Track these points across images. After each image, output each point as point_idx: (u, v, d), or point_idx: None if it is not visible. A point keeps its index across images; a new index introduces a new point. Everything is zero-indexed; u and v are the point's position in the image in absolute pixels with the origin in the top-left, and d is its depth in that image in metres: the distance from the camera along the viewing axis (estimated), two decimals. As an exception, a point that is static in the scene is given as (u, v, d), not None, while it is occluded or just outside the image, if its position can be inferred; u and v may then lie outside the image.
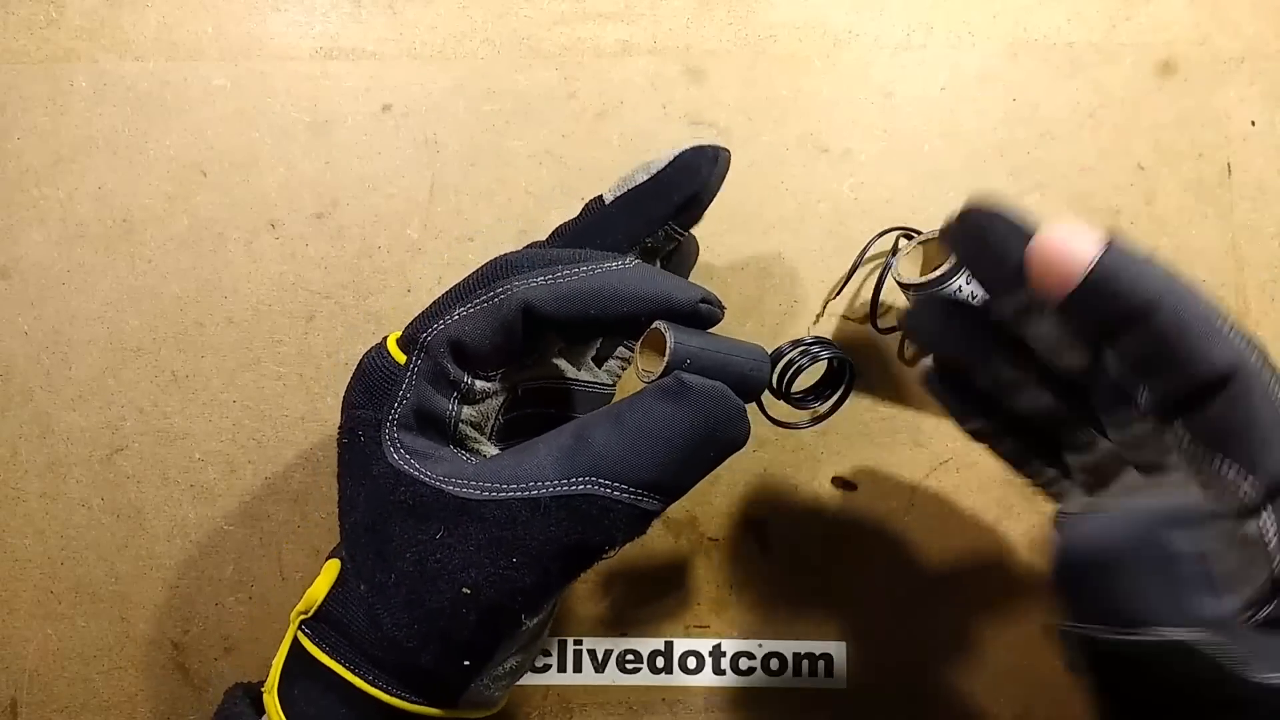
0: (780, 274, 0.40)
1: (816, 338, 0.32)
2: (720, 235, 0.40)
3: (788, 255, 0.40)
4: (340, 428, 0.30)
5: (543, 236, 0.32)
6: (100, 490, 0.39)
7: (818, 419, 0.33)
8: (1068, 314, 0.26)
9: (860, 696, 0.39)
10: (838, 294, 0.40)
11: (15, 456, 0.39)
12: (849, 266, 0.40)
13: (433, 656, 0.28)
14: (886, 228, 0.39)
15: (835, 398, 0.33)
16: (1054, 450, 0.31)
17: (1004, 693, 0.39)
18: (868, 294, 0.39)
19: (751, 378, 0.29)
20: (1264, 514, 0.24)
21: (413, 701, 0.28)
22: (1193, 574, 0.24)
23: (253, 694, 0.31)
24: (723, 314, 0.30)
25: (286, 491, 0.39)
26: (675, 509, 0.39)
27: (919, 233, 0.38)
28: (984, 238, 0.27)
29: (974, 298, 0.35)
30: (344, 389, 0.30)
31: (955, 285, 0.35)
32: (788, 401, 0.33)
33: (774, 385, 0.32)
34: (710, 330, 0.29)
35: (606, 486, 0.26)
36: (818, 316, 0.40)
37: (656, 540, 0.39)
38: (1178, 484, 0.26)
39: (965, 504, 0.39)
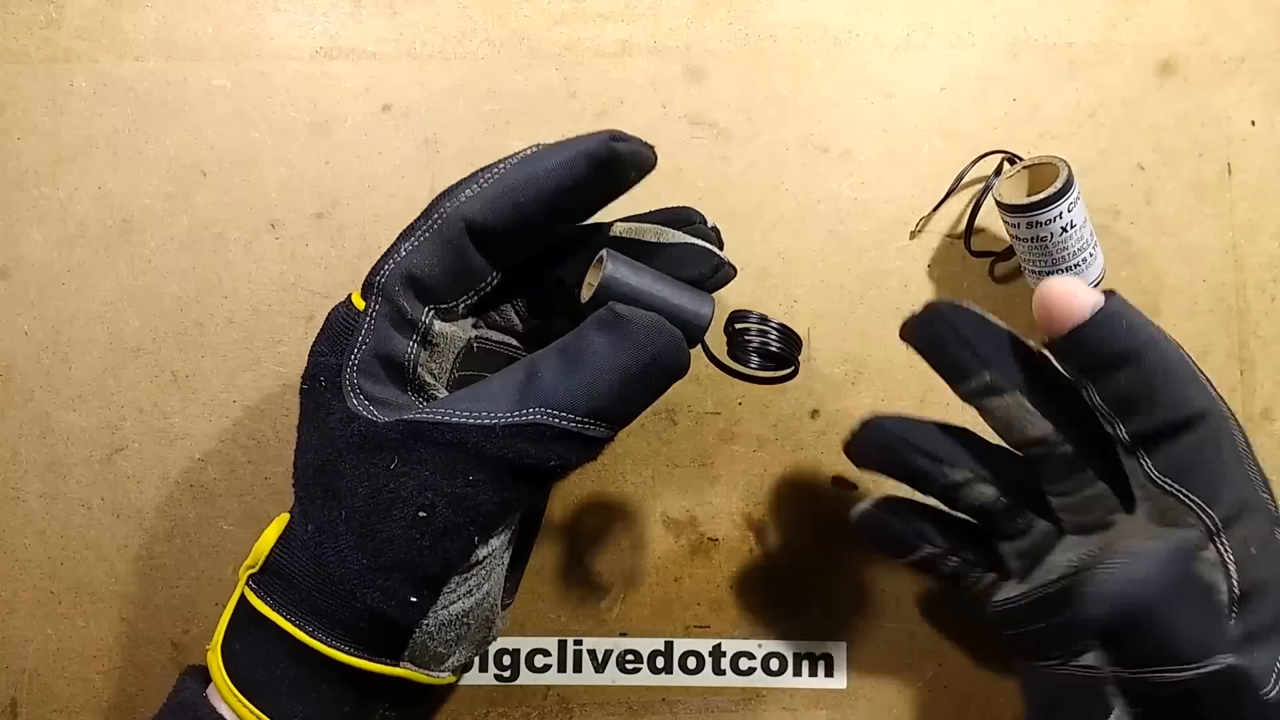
0: (780, 274, 0.40)
1: (783, 326, 0.31)
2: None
3: (788, 255, 0.40)
4: (302, 377, 0.30)
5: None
6: (100, 490, 0.39)
7: (739, 376, 0.32)
8: (1067, 352, 0.29)
9: (860, 696, 0.39)
10: (934, 213, 0.40)
11: (15, 456, 0.39)
12: (944, 192, 0.39)
13: (380, 592, 0.28)
14: (988, 150, 0.39)
15: (765, 375, 0.32)
16: (986, 550, 0.33)
17: (1004, 693, 0.39)
18: (946, 221, 0.40)
19: (690, 321, 0.30)
20: (1222, 539, 0.27)
21: (353, 654, 0.28)
22: (1220, 601, 0.26)
23: (205, 673, 0.31)
24: (653, 155, 0.30)
25: (287, 492, 0.39)
26: (675, 509, 0.39)
27: (1020, 158, 0.38)
28: (949, 329, 0.31)
29: (1072, 225, 0.35)
30: None
31: (1060, 210, 0.35)
32: (729, 351, 0.32)
33: (726, 333, 0.32)
34: (672, 276, 0.30)
35: (555, 416, 0.27)
36: (914, 234, 0.40)
37: (656, 540, 0.39)
38: (1124, 534, 0.29)
39: (965, 504, 0.39)
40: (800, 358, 0.32)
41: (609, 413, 0.28)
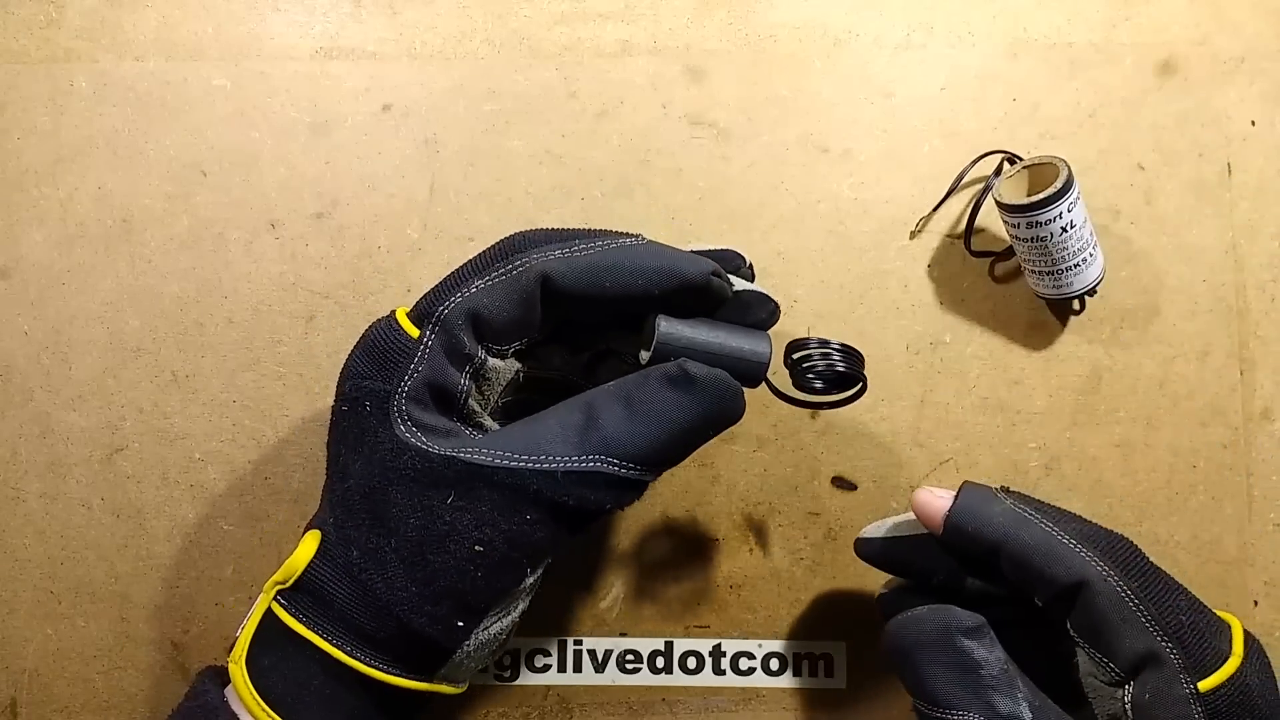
0: (780, 274, 0.40)
1: (844, 345, 0.32)
2: (720, 235, 0.40)
3: (788, 255, 0.40)
4: (340, 397, 0.30)
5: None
6: (100, 490, 0.39)
7: (811, 405, 0.33)
8: (950, 554, 0.32)
9: (860, 696, 0.39)
10: (934, 213, 0.40)
11: (15, 456, 0.39)
12: (944, 192, 0.40)
13: (427, 618, 0.28)
14: (988, 150, 0.39)
15: (836, 398, 0.33)
16: None
17: (1004, 693, 0.39)
18: (946, 221, 0.40)
19: (749, 367, 0.31)
20: (1128, 686, 0.29)
21: (391, 672, 0.28)
22: (990, 675, 0.29)
23: (223, 676, 0.31)
24: (732, 291, 0.31)
25: (286, 491, 0.39)
26: (675, 509, 0.39)
27: (1020, 158, 0.38)
28: (891, 557, 0.34)
29: (1072, 225, 0.35)
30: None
31: (1060, 210, 0.35)
32: (794, 381, 0.33)
33: (787, 365, 0.33)
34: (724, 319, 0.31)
35: (615, 465, 0.28)
36: (914, 234, 0.40)
37: (657, 540, 0.39)
38: None
39: (965, 504, 0.39)
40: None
41: (665, 461, 0.29)
